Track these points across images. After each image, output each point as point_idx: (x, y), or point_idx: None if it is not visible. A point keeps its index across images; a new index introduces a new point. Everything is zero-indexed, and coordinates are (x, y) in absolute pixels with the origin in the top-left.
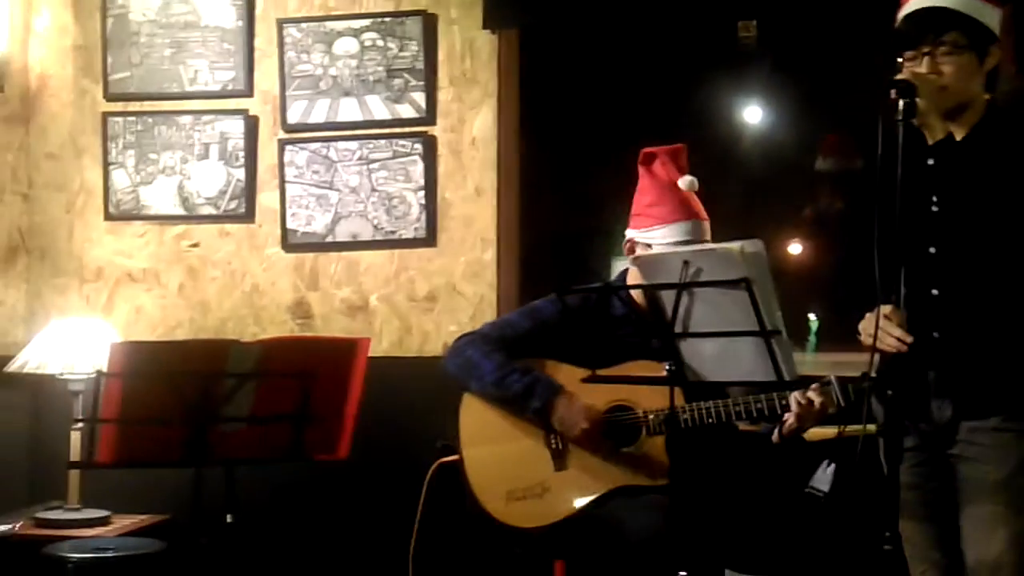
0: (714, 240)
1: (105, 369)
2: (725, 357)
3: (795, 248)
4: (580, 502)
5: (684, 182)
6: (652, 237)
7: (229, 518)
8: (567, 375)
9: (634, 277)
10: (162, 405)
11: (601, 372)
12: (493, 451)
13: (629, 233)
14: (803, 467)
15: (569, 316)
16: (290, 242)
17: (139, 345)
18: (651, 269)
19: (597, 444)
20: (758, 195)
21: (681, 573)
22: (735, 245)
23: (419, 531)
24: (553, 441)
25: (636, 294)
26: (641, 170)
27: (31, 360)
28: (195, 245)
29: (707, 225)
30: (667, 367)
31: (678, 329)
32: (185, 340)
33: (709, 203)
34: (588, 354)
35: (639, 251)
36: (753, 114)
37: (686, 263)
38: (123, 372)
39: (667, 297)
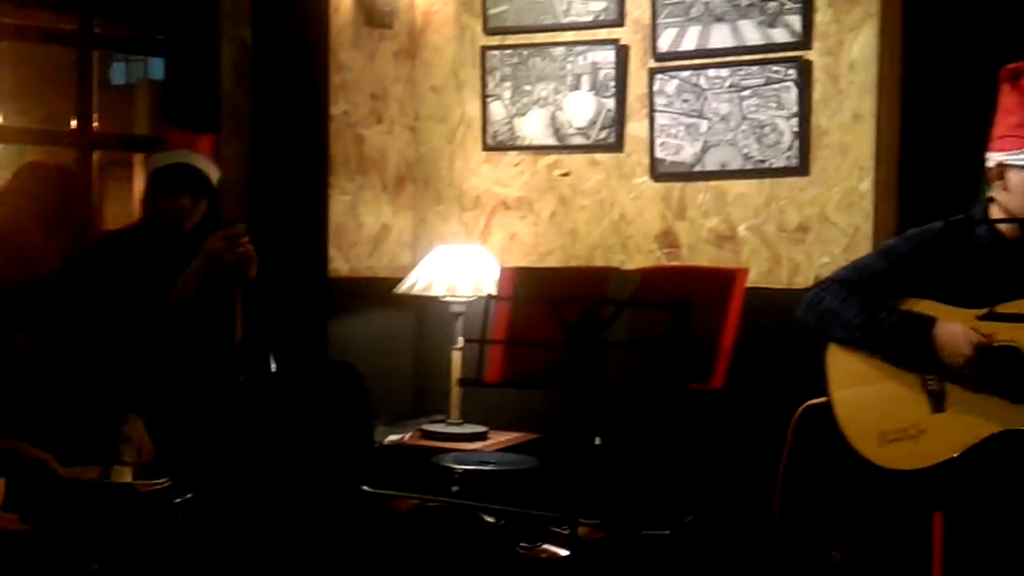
0: None
1: (494, 292)
2: None
3: None
4: (961, 445)
5: None
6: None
7: (597, 440)
8: (937, 312)
9: (1000, 208)
10: (545, 328)
11: (1001, 309)
12: (864, 393)
13: (994, 157)
14: None
15: (927, 252)
16: (658, 172)
17: (526, 271)
18: None
19: (983, 376)
20: None
21: None
22: None
23: (786, 470)
24: (929, 382)
25: (1006, 228)
26: (1005, 87)
27: (417, 283)
28: (566, 174)
29: None
30: None
31: None
32: (567, 267)
33: None
34: (950, 293)
35: (1012, 176)
36: None
37: None
38: (511, 296)
39: None
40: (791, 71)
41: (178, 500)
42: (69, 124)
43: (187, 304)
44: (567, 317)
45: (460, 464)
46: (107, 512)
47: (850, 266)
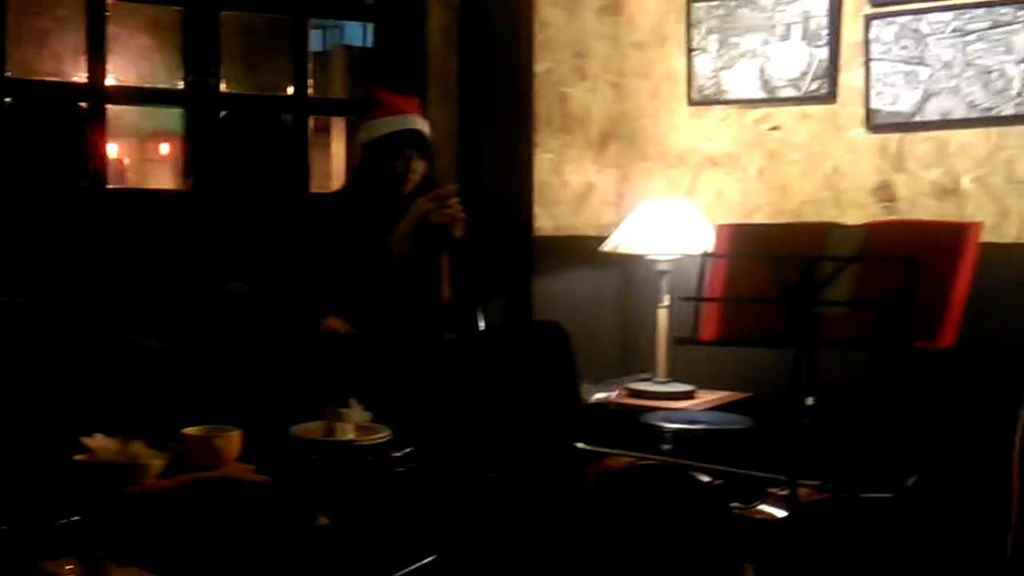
0: None
1: (709, 250)
2: None
3: None
4: None
5: None
6: None
7: (810, 400)
8: None
9: None
10: (764, 286)
11: None
12: None
13: None
14: None
15: None
16: (874, 122)
17: (744, 227)
18: None
19: None
20: None
21: None
22: None
23: None
24: None
25: None
26: None
27: (622, 241)
28: (775, 128)
29: None
30: None
31: None
32: (786, 223)
33: None
34: None
35: None
36: None
37: None
38: (728, 252)
39: None
40: (1021, 13)
41: (397, 454)
42: (284, 90)
43: (398, 264)
44: (788, 274)
45: (670, 423)
46: (332, 467)
47: None
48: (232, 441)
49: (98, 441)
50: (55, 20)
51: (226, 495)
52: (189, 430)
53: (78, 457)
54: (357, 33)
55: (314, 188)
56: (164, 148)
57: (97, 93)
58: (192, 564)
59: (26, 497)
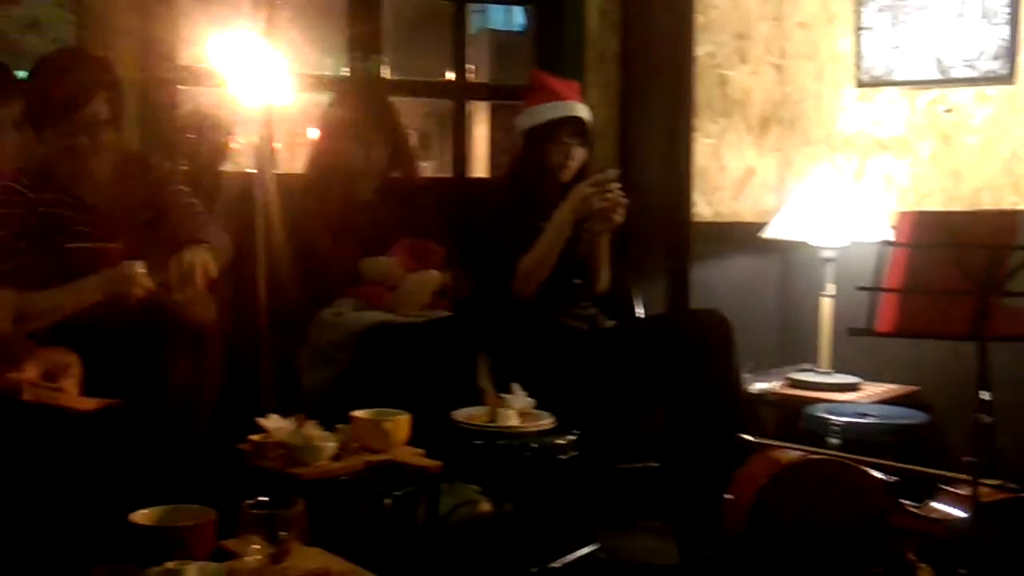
0: None
1: (889, 238)
2: None
3: None
4: None
5: None
6: None
7: (987, 396)
8: None
9: None
10: (948, 276)
11: None
12: None
13: None
14: None
15: None
16: None
17: (927, 215)
18: None
19: None
20: None
21: None
22: None
23: None
24: None
25: None
26: None
27: (783, 227)
28: (949, 110)
29: None
30: None
31: None
32: (974, 210)
33: None
34: None
35: None
36: None
37: None
38: (911, 240)
39: None
40: None
41: (560, 442)
42: (442, 75)
43: (558, 250)
44: (972, 264)
45: (837, 415)
46: (495, 453)
47: None
48: (401, 425)
49: (273, 421)
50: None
51: (397, 479)
52: (358, 413)
53: (253, 437)
54: (500, 16)
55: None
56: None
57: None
58: (362, 546)
59: (206, 477)
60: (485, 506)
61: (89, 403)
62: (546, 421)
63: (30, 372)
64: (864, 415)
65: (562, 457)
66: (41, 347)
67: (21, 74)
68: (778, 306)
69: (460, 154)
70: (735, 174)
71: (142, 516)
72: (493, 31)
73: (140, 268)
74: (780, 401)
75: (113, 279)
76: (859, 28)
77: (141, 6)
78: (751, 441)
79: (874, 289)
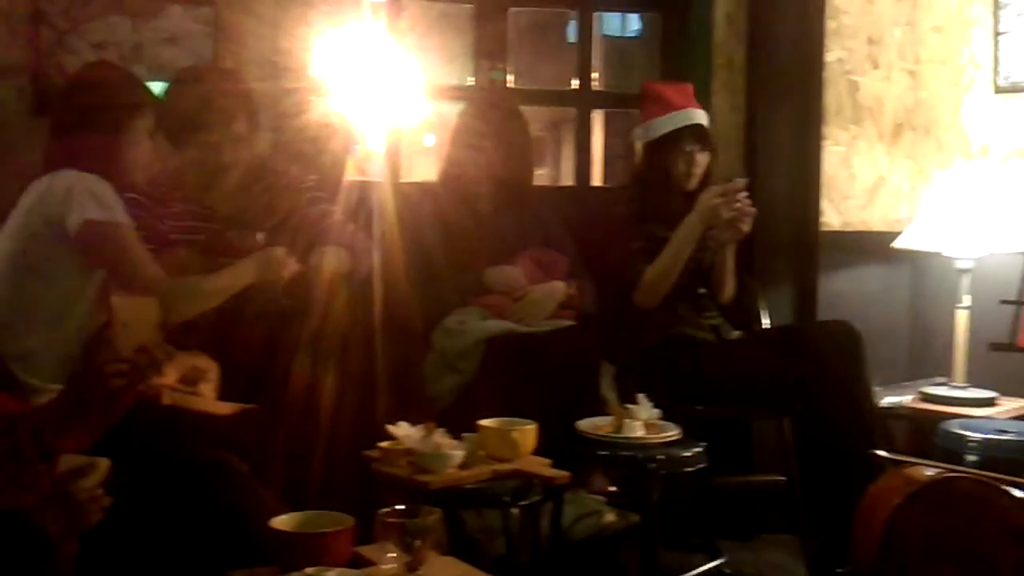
0: None
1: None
2: None
3: None
4: None
5: None
6: None
7: None
8: None
9: None
10: None
11: None
12: None
13: None
14: None
15: None
16: None
17: None
18: None
19: None
20: None
21: None
22: None
23: None
24: None
25: None
26: None
27: (917, 237)
28: None
29: None
30: None
31: None
32: None
33: None
34: None
35: None
36: None
37: None
38: None
39: None
40: None
41: (687, 454)
42: (555, 82)
43: (684, 260)
44: None
45: (973, 431)
46: (620, 464)
47: None
48: (528, 435)
49: (402, 429)
50: None
51: (524, 489)
52: (485, 422)
53: (383, 444)
54: (616, 24)
55: (568, 181)
56: (429, 140)
57: None
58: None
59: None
60: (610, 517)
61: (226, 407)
62: (672, 432)
63: (170, 377)
64: (1003, 431)
65: (688, 469)
66: (180, 352)
67: (159, 86)
68: (909, 318)
69: (584, 162)
70: (865, 182)
71: (281, 522)
72: (607, 37)
73: (284, 252)
74: (912, 416)
75: (264, 262)
76: (997, 33)
77: (273, 20)
78: (885, 457)
79: (1014, 303)
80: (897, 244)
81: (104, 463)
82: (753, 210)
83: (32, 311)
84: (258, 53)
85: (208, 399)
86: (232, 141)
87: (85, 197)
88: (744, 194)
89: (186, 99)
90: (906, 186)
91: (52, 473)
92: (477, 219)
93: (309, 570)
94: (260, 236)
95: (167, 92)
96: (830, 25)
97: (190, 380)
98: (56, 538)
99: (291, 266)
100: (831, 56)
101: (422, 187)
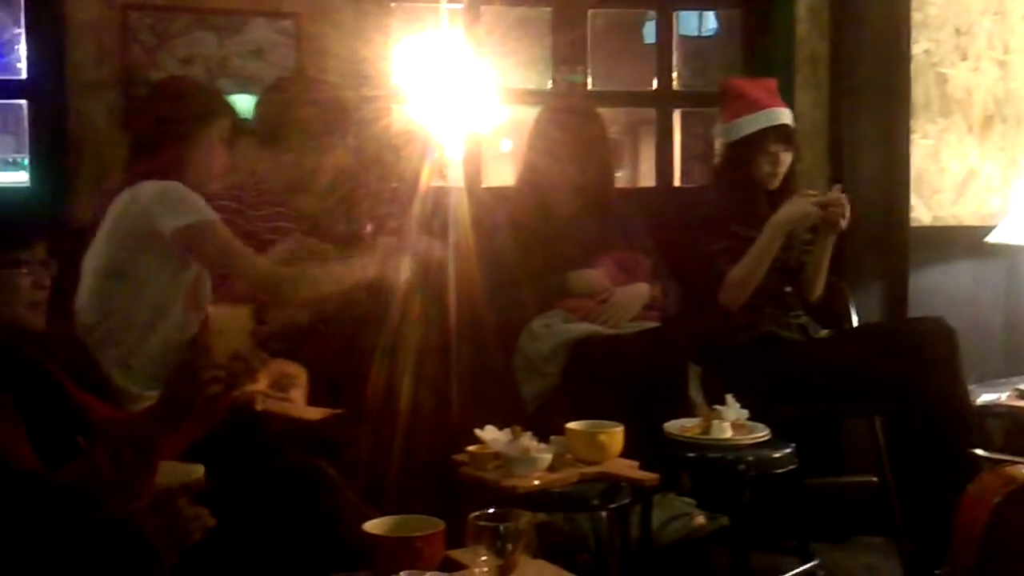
0: None
1: None
2: None
3: None
4: None
5: None
6: None
7: None
8: None
9: None
10: None
11: None
12: None
13: None
14: None
15: None
16: None
17: None
18: None
19: None
20: None
21: None
22: None
23: None
24: None
25: None
26: None
27: (1011, 231)
28: None
29: None
30: None
31: None
32: None
33: None
34: None
35: None
36: None
37: None
38: None
39: None
40: None
41: (776, 455)
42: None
43: (769, 260)
44: None
45: None
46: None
47: None
48: (616, 437)
49: (490, 433)
50: None
51: (613, 492)
52: (572, 425)
53: (470, 448)
54: (692, 22)
55: (644, 182)
56: (506, 145)
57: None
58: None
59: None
60: (700, 519)
61: (315, 412)
62: (761, 433)
63: (262, 383)
64: None
65: (778, 470)
66: (273, 359)
67: (245, 98)
68: (1004, 313)
69: (665, 163)
70: (956, 176)
71: (374, 526)
72: (684, 37)
73: (406, 259)
74: (1008, 413)
75: (385, 261)
76: None
77: (355, 31)
78: (983, 456)
79: None
80: (991, 239)
81: (199, 469)
82: (847, 211)
83: (125, 317)
84: (339, 62)
85: (299, 404)
86: (318, 148)
87: (170, 204)
88: (842, 196)
89: (276, 108)
90: (998, 179)
91: (153, 480)
92: (556, 223)
93: (403, 574)
94: (369, 227)
95: (258, 102)
96: (916, 17)
97: (281, 386)
98: (159, 549)
99: (443, 265)
100: (918, 48)
101: (500, 192)
